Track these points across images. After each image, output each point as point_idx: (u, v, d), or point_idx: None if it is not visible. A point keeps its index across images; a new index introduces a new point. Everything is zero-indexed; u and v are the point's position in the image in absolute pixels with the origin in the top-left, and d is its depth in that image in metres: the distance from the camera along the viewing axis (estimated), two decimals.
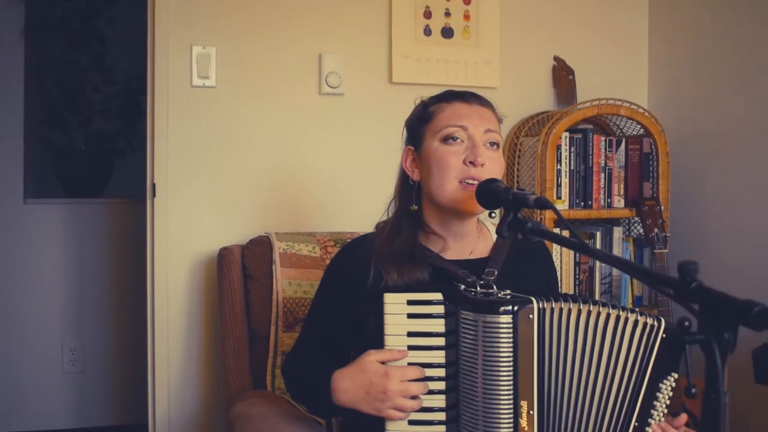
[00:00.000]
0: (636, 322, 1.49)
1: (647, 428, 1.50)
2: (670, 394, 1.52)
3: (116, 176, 4.35)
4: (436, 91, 1.79)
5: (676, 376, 1.52)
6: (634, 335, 1.49)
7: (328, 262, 1.90)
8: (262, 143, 2.70)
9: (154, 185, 2.60)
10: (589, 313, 1.49)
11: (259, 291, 2.39)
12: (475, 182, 1.62)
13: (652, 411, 1.50)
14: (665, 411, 1.53)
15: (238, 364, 2.38)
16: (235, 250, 2.46)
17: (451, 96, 1.74)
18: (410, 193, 1.75)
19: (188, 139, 2.63)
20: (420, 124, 1.73)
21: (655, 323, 1.49)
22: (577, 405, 1.49)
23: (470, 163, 1.64)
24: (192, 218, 2.63)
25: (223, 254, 2.46)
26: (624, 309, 1.50)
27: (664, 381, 1.50)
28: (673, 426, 1.56)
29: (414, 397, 1.51)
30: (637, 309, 1.55)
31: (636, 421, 1.49)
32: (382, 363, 1.54)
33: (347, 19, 2.78)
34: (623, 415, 1.49)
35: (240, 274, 2.43)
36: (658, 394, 1.50)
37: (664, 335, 1.48)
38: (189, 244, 2.63)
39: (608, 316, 1.49)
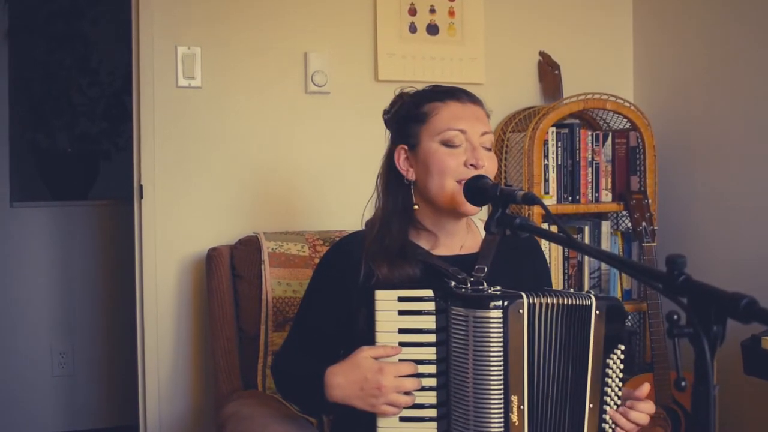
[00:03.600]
0: (570, 307, 1.51)
1: (605, 406, 1.53)
2: (621, 366, 1.55)
3: (102, 178, 4.32)
4: (420, 88, 1.80)
5: (623, 347, 1.54)
6: (574, 319, 1.52)
7: (317, 261, 1.91)
8: (249, 143, 2.69)
9: (141, 186, 2.59)
10: (564, 306, 1.51)
11: (248, 291, 2.39)
12: None
13: (606, 388, 1.54)
14: (620, 384, 1.56)
15: (228, 364, 2.38)
16: (224, 251, 2.46)
17: (443, 95, 1.74)
18: (404, 191, 1.75)
19: (175, 139, 2.62)
20: (414, 124, 1.73)
21: (585, 302, 1.52)
22: (558, 398, 1.51)
23: (471, 165, 1.66)
24: (180, 219, 2.62)
25: (212, 255, 2.45)
26: (567, 296, 1.52)
27: (611, 356, 1.54)
28: (633, 396, 1.58)
29: (407, 393, 1.52)
30: (572, 291, 1.57)
31: (590, 403, 1.52)
32: (376, 359, 1.54)
33: (333, 17, 2.78)
34: (579, 400, 1.52)
35: (229, 274, 2.43)
36: (607, 370, 1.53)
37: (597, 312, 1.51)
38: (177, 245, 2.62)
39: (567, 307, 1.51)
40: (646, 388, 1.59)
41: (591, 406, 1.52)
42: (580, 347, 1.52)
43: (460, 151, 1.68)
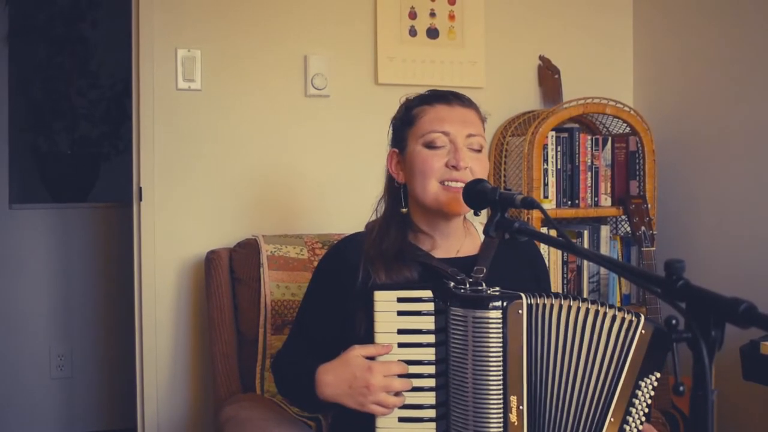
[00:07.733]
0: (614, 318, 1.50)
1: (625, 426, 1.51)
2: (652, 393, 1.52)
3: (102, 180, 4.32)
4: (422, 91, 1.80)
5: (658, 375, 1.52)
6: (612, 330, 1.50)
7: (316, 264, 1.91)
8: (248, 146, 2.69)
9: (140, 189, 2.59)
10: (574, 308, 1.50)
11: (247, 294, 2.39)
12: (458, 184, 1.65)
13: (631, 408, 1.51)
14: (646, 410, 1.53)
15: (226, 367, 2.38)
16: (223, 254, 2.45)
17: (433, 98, 1.75)
18: (397, 195, 1.77)
19: (174, 142, 2.62)
20: (403, 127, 1.75)
21: (634, 319, 1.49)
22: (560, 399, 1.50)
23: (452, 166, 1.66)
24: (179, 222, 2.62)
25: (211, 257, 2.45)
26: (605, 305, 1.51)
27: (645, 379, 1.51)
28: None
29: (397, 394, 1.52)
30: (622, 306, 1.56)
31: (612, 417, 1.50)
32: (368, 358, 1.54)
33: (332, 20, 2.78)
34: (600, 410, 1.50)
35: (228, 277, 2.43)
36: (637, 391, 1.51)
37: (643, 331, 1.49)
38: (176, 248, 2.61)
39: (587, 311, 1.50)
40: None
41: (612, 419, 1.50)
42: (613, 357, 1.49)
43: (442, 152, 1.68)
